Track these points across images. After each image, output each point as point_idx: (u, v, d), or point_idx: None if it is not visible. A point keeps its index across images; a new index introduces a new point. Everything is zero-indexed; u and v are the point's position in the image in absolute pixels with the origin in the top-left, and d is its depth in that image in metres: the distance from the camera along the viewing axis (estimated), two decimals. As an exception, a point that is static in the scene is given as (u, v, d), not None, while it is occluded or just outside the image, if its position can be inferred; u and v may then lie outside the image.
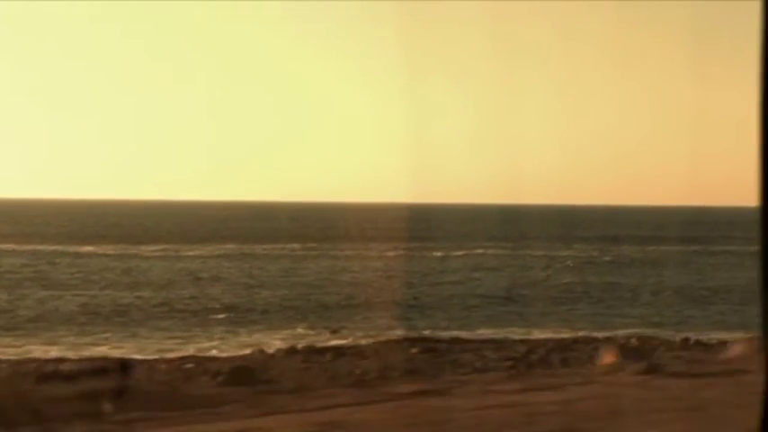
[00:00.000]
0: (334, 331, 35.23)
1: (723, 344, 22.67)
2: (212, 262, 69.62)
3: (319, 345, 24.47)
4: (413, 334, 29.61)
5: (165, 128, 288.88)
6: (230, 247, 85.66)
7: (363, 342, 26.26)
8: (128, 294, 48.69)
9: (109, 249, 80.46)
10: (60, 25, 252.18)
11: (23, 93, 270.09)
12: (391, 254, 78.62)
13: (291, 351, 21.52)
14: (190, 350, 28.73)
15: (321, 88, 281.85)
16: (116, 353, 27.53)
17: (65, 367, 17.69)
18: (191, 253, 78.90)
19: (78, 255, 73.30)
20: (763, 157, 3.07)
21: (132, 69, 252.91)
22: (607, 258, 76.13)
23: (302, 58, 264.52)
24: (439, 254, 77.51)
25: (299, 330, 36.42)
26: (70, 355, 28.90)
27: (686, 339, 26.91)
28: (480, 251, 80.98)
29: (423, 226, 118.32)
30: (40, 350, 30.30)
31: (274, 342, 32.30)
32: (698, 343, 25.53)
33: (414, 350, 21.43)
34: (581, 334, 31.23)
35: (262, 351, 22.20)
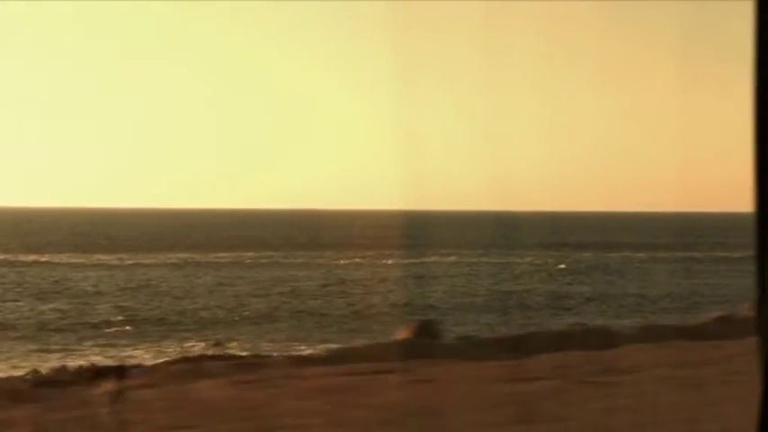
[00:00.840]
0: (216, 344, 34.15)
1: None
2: (155, 271, 68.29)
3: (108, 364, 23.35)
4: (218, 351, 28.78)
5: (156, 135, 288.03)
6: (183, 255, 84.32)
7: (152, 362, 25.04)
8: (39, 305, 47.46)
9: (57, 258, 79.19)
10: (52, 28, 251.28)
11: (13, 97, 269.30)
12: (342, 262, 77.50)
13: (60, 371, 20.31)
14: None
15: (310, 93, 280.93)
16: None
17: None
18: (142, 261, 77.66)
19: (19, 264, 72.03)
20: (757, 162, 3.02)
21: (119, 73, 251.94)
22: (561, 266, 74.72)
23: (292, 63, 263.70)
24: (390, 262, 76.23)
25: (187, 344, 35.28)
26: None
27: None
28: (434, 259, 79.70)
29: (391, 233, 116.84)
30: None
31: (139, 354, 31.32)
32: None
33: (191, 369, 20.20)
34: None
35: (36, 371, 21.02)
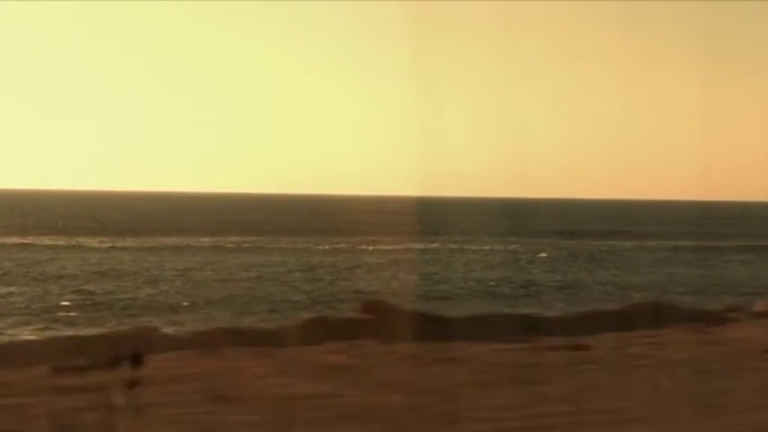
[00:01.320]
0: (153, 330, 33.55)
1: None
2: (129, 255, 67.64)
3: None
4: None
5: (175, 118, 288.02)
6: (165, 240, 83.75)
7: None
8: (-5, 289, 47.04)
9: (39, 241, 78.72)
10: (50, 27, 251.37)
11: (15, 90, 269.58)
12: (321, 248, 76.93)
13: None
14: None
15: (323, 86, 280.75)
16: None
17: None
18: (120, 245, 77.17)
19: (-2, 246, 71.67)
20: None
21: (118, 71, 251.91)
22: (543, 254, 73.87)
23: (311, 56, 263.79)
24: (370, 248, 75.57)
25: (120, 330, 34.70)
26: None
27: None
28: (418, 245, 78.95)
29: (386, 219, 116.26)
30: None
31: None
32: None
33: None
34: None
35: None
